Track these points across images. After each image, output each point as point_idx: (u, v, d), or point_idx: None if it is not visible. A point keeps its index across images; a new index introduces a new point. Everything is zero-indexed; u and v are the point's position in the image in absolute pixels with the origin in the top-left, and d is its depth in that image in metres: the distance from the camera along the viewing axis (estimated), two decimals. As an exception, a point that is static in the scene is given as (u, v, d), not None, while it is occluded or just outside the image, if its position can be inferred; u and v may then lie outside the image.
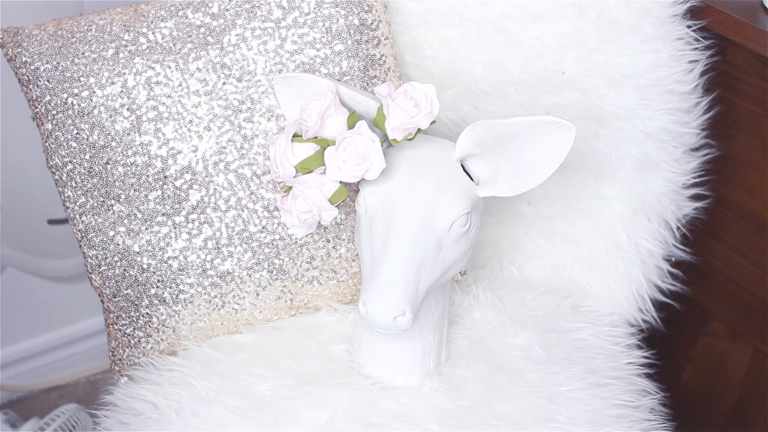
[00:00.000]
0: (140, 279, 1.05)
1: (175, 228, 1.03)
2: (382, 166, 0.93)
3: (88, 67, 1.00)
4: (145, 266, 1.04)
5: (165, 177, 1.02)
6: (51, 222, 1.55)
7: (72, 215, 1.04)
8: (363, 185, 0.96)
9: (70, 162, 1.02)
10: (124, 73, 1.00)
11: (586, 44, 1.09)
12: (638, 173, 1.16)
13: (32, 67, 1.00)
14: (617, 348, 1.14)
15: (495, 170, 0.96)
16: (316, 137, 0.97)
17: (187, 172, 1.02)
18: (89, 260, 1.05)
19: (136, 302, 1.06)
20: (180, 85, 1.01)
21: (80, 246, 1.05)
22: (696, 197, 1.22)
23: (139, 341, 1.07)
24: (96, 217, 1.03)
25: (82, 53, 1.00)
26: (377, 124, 0.96)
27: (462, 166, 0.98)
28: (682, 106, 1.14)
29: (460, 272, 1.14)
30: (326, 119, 0.96)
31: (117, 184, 1.02)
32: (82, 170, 1.02)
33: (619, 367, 1.11)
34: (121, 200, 1.02)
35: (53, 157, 1.02)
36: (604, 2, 1.08)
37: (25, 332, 1.67)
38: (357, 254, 1.09)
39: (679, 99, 1.13)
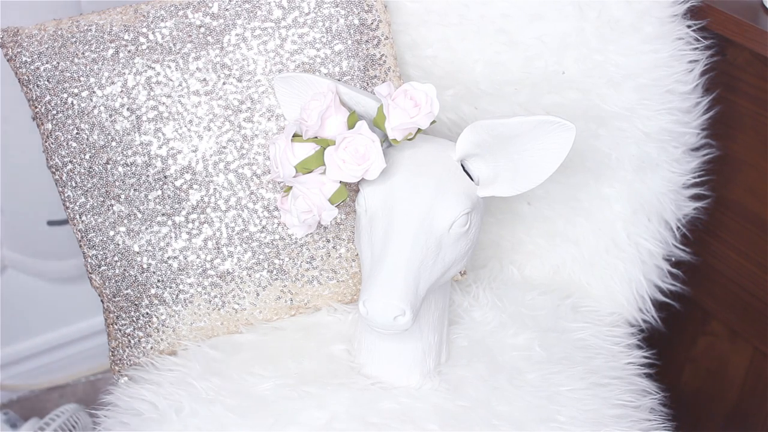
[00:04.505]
0: (140, 279, 1.05)
1: (175, 228, 1.03)
2: (382, 166, 0.93)
3: (88, 66, 1.00)
4: (145, 266, 1.04)
5: (165, 177, 1.02)
6: (50, 223, 1.55)
7: (72, 215, 1.04)
8: (363, 185, 0.96)
9: (70, 162, 1.02)
10: (124, 73, 1.00)
11: (586, 44, 1.09)
12: (638, 173, 1.16)
13: (32, 67, 1.00)
14: (617, 348, 1.14)
15: (495, 170, 0.96)
16: (316, 137, 0.97)
17: (187, 172, 1.02)
18: (89, 260, 1.05)
19: (136, 302, 1.06)
20: (180, 85, 1.01)
21: (80, 246, 1.05)
22: (696, 197, 1.22)
23: (139, 341, 1.08)
24: (96, 217, 1.03)
25: (82, 53, 1.00)
26: (377, 124, 0.96)
27: (462, 166, 0.98)
28: (682, 106, 1.14)
29: (460, 272, 1.14)
30: (326, 119, 0.96)
31: (117, 184, 1.02)
32: (82, 170, 1.02)
33: (619, 367, 1.11)
34: (121, 200, 1.02)
35: (53, 157, 1.02)
36: (604, 2, 1.07)
37: (25, 332, 1.67)
38: (357, 254, 1.09)
39: (679, 99, 1.13)
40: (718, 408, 1.40)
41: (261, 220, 1.04)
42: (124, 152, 1.01)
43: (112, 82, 1.00)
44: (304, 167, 0.96)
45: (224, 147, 1.02)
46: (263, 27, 1.02)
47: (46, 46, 1.00)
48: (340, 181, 0.95)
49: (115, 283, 1.05)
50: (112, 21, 1.02)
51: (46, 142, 1.02)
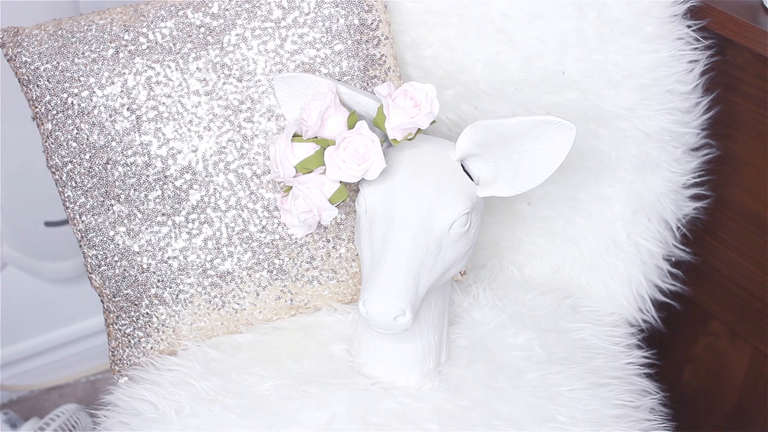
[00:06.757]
0: (140, 279, 1.05)
1: (175, 228, 1.03)
2: (382, 166, 0.93)
3: (88, 66, 1.00)
4: (145, 266, 1.04)
5: (165, 177, 1.02)
6: (48, 224, 1.55)
7: (72, 215, 1.04)
8: (363, 185, 0.96)
9: (70, 162, 1.02)
10: (124, 73, 1.00)
11: (586, 44, 1.09)
12: (638, 173, 1.16)
13: (32, 67, 1.00)
14: (617, 348, 1.14)
15: (495, 170, 0.96)
16: (316, 137, 0.97)
17: (187, 172, 1.02)
18: (89, 260, 1.05)
19: (136, 302, 1.06)
20: (180, 85, 1.01)
21: (80, 246, 1.05)
22: (696, 197, 1.22)
23: (139, 341, 1.08)
24: (96, 217, 1.03)
25: (82, 53, 1.00)
26: (377, 124, 0.96)
27: (462, 166, 0.98)
28: (682, 106, 1.14)
29: (460, 272, 1.14)
30: (326, 119, 0.96)
31: (117, 184, 1.02)
32: (82, 170, 1.02)
33: (619, 367, 1.11)
34: (121, 200, 1.02)
35: (53, 157, 1.02)
36: (604, 2, 1.08)
37: (25, 332, 1.67)
38: (357, 254, 1.09)
39: (679, 99, 1.13)
40: (718, 408, 1.40)
41: (261, 220, 1.04)
42: (124, 152, 1.01)
43: (112, 82, 1.00)
44: (304, 167, 0.96)
45: (224, 147, 1.02)
46: (263, 27, 1.03)
47: (46, 46, 1.00)
48: (340, 181, 0.95)
49: (115, 283, 1.05)
50: (112, 21, 1.02)
51: (46, 142, 1.02)
